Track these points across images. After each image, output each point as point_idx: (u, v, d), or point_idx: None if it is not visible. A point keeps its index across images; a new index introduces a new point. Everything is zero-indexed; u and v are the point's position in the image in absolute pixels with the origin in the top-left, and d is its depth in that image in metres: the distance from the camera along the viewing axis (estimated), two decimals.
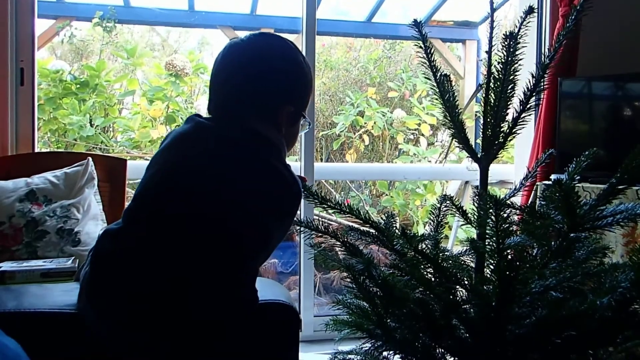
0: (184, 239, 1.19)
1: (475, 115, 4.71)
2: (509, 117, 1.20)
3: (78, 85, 3.97)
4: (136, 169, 2.32)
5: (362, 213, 1.28)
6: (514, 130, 1.20)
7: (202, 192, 1.21)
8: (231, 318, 1.26)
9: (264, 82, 1.30)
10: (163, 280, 1.18)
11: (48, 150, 3.95)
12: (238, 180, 1.21)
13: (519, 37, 1.15)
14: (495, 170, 3.05)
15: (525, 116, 1.19)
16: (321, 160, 5.07)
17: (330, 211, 1.31)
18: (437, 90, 1.25)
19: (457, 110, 1.25)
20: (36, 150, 2.30)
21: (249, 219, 1.21)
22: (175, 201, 1.22)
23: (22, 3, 2.24)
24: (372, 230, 1.27)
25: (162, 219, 1.21)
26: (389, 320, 1.21)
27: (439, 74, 1.25)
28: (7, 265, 1.65)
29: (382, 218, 1.36)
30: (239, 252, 1.22)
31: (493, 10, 1.24)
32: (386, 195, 4.51)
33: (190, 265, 1.19)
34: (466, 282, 1.10)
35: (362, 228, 1.32)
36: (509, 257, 1.01)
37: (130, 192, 2.75)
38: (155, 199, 1.25)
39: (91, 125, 4.01)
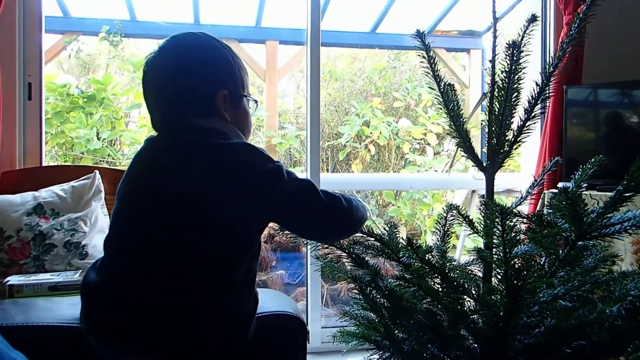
0: (155, 258, 1.18)
1: (481, 124, 4.71)
2: (514, 126, 1.20)
3: (85, 99, 4.00)
4: None
5: (364, 226, 1.28)
6: (519, 138, 1.20)
7: (160, 206, 1.19)
8: (229, 333, 1.22)
9: (187, 78, 1.28)
10: (147, 305, 1.16)
11: (55, 163, 3.97)
12: (192, 181, 1.18)
13: (522, 45, 1.15)
14: (502, 179, 3.04)
15: (530, 124, 1.19)
16: (327, 170, 5.07)
17: None
18: (442, 99, 1.25)
19: (461, 120, 1.25)
20: (44, 164, 2.32)
21: (218, 218, 1.18)
22: (141, 223, 1.22)
23: (30, 18, 2.27)
24: (377, 243, 1.26)
25: (132, 243, 1.22)
26: (396, 331, 1.21)
27: (442, 84, 1.25)
28: (15, 279, 1.65)
29: (385, 228, 1.35)
30: (216, 255, 1.19)
31: (496, 19, 1.24)
32: (393, 205, 4.51)
33: (169, 284, 1.17)
34: (474, 292, 1.10)
35: (368, 239, 1.32)
36: (517, 266, 1.00)
37: None
38: (123, 225, 1.26)
39: (98, 139, 4.03)
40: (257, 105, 1.42)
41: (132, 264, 1.21)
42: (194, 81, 1.28)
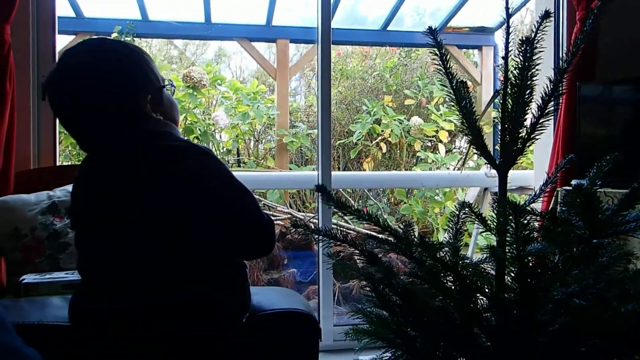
0: (130, 276, 1.23)
1: (494, 121, 4.68)
2: (527, 123, 1.19)
3: None
4: None
5: (380, 220, 1.28)
6: (532, 135, 1.19)
7: (113, 226, 1.23)
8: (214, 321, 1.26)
9: (106, 91, 1.23)
10: (129, 326, 1.21)
11: (69, 163, 4.01)
12: (145, 191, 1.20)
13: (535, 42, 1.14)
14: (515, 177, 3.02)
15: (543, 121, 1.18)
16: (338, 169, 5.07)
17: (348, 218, 1.30)
18: (454, 97, 1.24)
19: (474, 117, 1.24)
20: (57, 163, 2.34)
21: (184, 219, 1.20)
22: (103, 248, 1.25)
23: (43, 19, 2.29)
24: (390, 238, 1.26)
25: (100, 268, 1.27)
26: (409, 329, 1.20)
27: (454, 81, 1.24)
28: (30, 278, 1.67)
29: (400, 227, 1.34)
30: (189, 250, 1.23)
31: (509, 15, 1.23)
32: (404, 203, 4.50)
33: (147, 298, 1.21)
34: (487, 290, 1.09)
35: (380, 236, 1.32)
36: (530, 264, 1.00)
37: None
38: (86, 254, 1.31)
39: None
40: (174, 87, 1.39)
41: (110, 284, 1.25)
42: (113, 94, 1.24)
